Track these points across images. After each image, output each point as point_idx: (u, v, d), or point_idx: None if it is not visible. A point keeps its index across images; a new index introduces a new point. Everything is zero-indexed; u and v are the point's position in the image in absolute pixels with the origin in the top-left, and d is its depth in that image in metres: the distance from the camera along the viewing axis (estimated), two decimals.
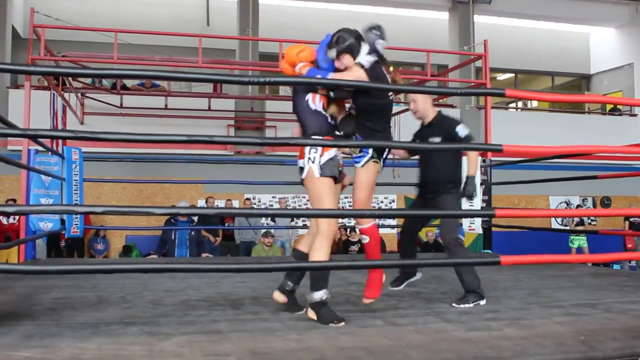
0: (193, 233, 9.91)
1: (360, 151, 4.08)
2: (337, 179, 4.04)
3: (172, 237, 9.81)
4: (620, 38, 17.83)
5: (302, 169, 3.97)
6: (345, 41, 3.98)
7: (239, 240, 12.22)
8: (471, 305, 4.39)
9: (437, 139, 4.90)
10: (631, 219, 13.87)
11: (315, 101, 4.00)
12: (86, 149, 8.24)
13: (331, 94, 3.99)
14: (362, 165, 4.09)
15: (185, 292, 4.97)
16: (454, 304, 4.41)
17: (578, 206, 15.94)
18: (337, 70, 4.06)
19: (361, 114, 4.13)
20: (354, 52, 4.01)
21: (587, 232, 10.45)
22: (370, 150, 4.07)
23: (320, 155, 3.89)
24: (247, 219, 11.88)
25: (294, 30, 14.48)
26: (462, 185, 4.90)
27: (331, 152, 3.92)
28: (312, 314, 3.77)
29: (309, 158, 3.90)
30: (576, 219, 13.53)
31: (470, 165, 4.93)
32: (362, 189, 4.11)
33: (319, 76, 3.94)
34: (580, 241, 13.45)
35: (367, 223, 4.14)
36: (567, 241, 13.63)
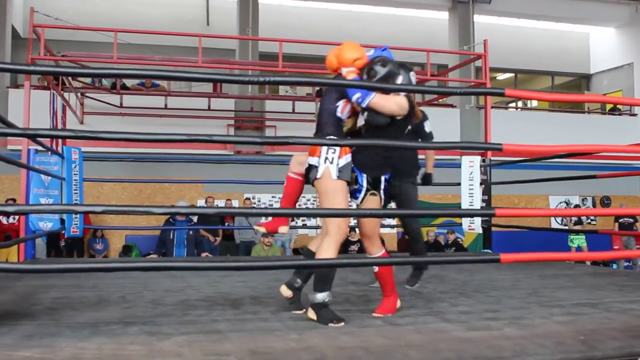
0: (191, 233, 9.88)
1: (356, 183, 3.97)
2: (351, 183, 3.95)
3: (171, 237, 9.78)
4: (620, 38, 17.83)
5: (314, 167, 3.86)
6: (377, 74, 3.83)
7: (239, 240, 12.21)
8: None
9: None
10: (620, 220, 13.80)
11: (344, 111, 3.95)
12: (86, 148, 8.24)
13: (365, 114, 3.86)
14: (361, 202, 4.01)
15: (185, 291, 4.97)
16: (406, 286, 4.85)
17: (576, 206, 15.91)
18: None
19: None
20: (392, 80, 3.87)
21: (586, 231, 10.43)
22: (365, 183, 3.97)
23: (339, 157, 3.80)
24: (247, 218, 11.85)
25: (294, 30, 14.49)
26: (421, 180, 5.43)
27: (348, 157, 3.85)
28: (312, 314, 3.75)
29: (326, 158, 3.81)
30: (574, 219, 13.51)
31: (430, 163, 5.42)
32: (369, 222, 4.08)
33: (358, 94, 3.75)
34: (579, 241, 13.44)
35: (378, 252, 4.13)
36: (567, 241, 13.64)
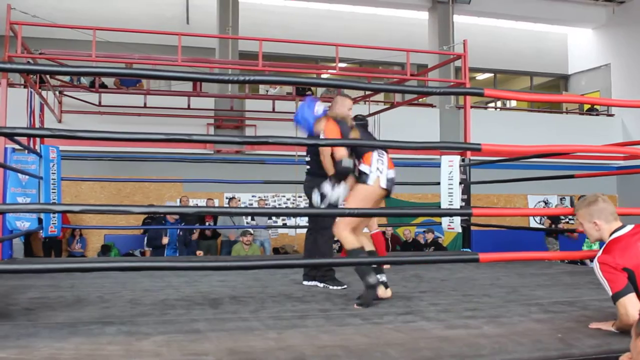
0: (181, 233, 9.70)
1: None
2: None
3: (161, 235, 9.55)
4: (598, 39, 18.01)
5: (365, 174, 4.29)
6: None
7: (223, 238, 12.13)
8: None
9: None
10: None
11: None
12: (64, 147, 8.16)
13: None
14: None
15: (164, 291, 4.94)
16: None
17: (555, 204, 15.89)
18: None
19: None
20: None
21: (565, 230, 10.52)
22: None
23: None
24: (231, 218, 11.77)
25: (274, 29, 14.48)
26: None
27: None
28: None
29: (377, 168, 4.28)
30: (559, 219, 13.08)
31: None
32: None
33: None
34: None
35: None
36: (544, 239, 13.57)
